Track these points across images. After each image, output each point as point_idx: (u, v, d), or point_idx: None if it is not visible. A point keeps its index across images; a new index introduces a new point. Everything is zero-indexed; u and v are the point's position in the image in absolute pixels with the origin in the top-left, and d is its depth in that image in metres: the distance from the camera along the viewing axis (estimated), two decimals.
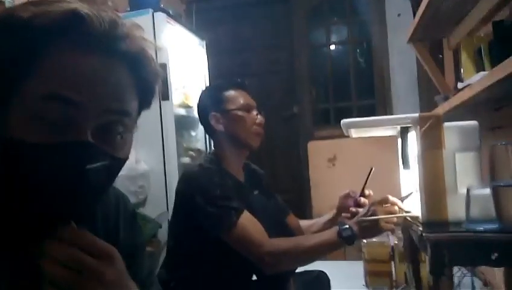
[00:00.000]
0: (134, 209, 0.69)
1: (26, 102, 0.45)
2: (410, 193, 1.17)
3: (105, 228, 0.62)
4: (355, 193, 1.30)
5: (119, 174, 0.52)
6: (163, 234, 1.98)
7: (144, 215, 1.99)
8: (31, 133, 0.45)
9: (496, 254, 0.87)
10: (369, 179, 1.26)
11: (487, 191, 0.92)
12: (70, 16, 0.44)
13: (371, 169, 1.24)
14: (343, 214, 1.28)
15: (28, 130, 0.45)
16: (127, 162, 0.53)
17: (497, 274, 1.50)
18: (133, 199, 1.99)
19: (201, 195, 1.17)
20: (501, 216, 0.89)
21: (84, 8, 0.45)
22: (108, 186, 0.52)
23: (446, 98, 1.57)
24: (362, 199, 1.25)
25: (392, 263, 1.97)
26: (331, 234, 1.13)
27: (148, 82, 0.53)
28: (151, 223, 1.99)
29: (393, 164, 1.45)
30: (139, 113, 0.55)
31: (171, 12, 2.34)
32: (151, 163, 2.09)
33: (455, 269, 1.43)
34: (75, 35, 0.45)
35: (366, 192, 1.27)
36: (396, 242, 1.93)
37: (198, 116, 1.38)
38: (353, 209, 1.24)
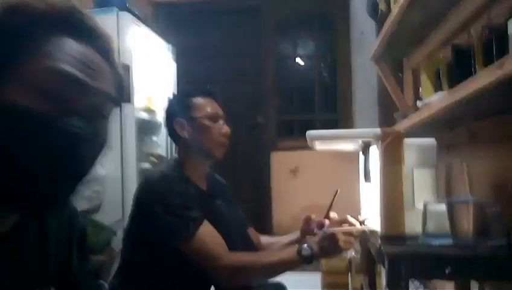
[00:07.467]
0: (85, 231, 0.68)
1: (26, 73, 0.49)
2: (369, 217, 1.20)
3: (58, 242, 0.60)
4: (317, 218, 1.31)
5: None
6: (117, 242, 1.90)
7: (97, 222, 1.90)
8: (25, 101, 0.48)
9: (449, 268, 0.90)
10: (334, 201, 1.27)
11: (443, 207, 0.96)
12: (67, 7, 0.53)
13: (336, 192, 1.26)
14: (307, 237, 1.28)
15: (23, 98, 0.48)
16: None
17: (447, 287, 1.56)
18: (86, 205, 1.90)
19: (161, 203, 1.14)
20: (455, 232, 0.93)
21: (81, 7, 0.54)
22: (89, 168, 0.54)
23: (405, 116, 1.63)
24: (327, 222, 1.26)
25: (349, 274, 2.00)
26: (291, 252, 1.13)
27: (120, 80, 0.59)
28: (105, 230, 1.90)
29: (354, 177, 1.48)
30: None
31: (137, 13, 2.29)
32: (109, 167, 2.00)
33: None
34: (70, 24, 0.53)
35: (331, 214, 1.28)
36: (353, 254, 1.97)
37: (164, 120, 1.35)
38: (317, 231, 1.24)
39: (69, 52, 0.51)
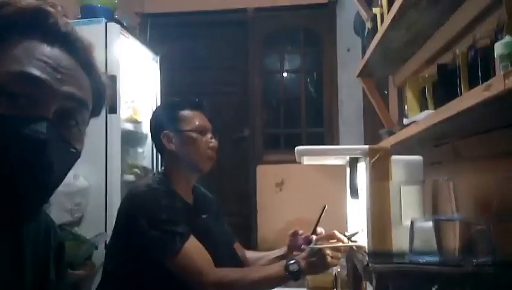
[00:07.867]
0: (64, 244, 0.65)
1: None
2: (356, 232, 1.20)
3: (34, 254, 0.58)
4: (305, 233, 1.31)
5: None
6: (98, 256, 1.84)
7: (78, 236, 1.84)
8: None
9: (436, 286, 0.90)
10: (321, 217, 1.27)
11: (430, 224, 0.96)
12: (38, 10, 0.51)
13: (324, 207, 1.26)
14: (294, 253, 1.27)
15: None
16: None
17: None
18: (67, 217, 1.85)
19: (146, 217, 1.12)
20: (441, 249, 0.93)
21: (49, 7, 0.52)
22: (62, 174, 0.52)
23: (390, 132, 1.66)
24: (314, 237, 1.25)
25: None
26: (278, 267, 1.13)
27: (100, 89, 0.57)
28: (86, 244, 1.84)
29: (340, 191, 1.48)
30: (88, 119, 0.57)
31: (124, 24, 2.27)
32: (92, 179, 1.96)
33: None
34: (42, 28, 0.51)
35: (318, 230, 1.27)
36: (339, 270, 1.96)
37: (151, 132, 1.33)
38: (305, 247, 1.24)
39: (37, 55, 0.49)
